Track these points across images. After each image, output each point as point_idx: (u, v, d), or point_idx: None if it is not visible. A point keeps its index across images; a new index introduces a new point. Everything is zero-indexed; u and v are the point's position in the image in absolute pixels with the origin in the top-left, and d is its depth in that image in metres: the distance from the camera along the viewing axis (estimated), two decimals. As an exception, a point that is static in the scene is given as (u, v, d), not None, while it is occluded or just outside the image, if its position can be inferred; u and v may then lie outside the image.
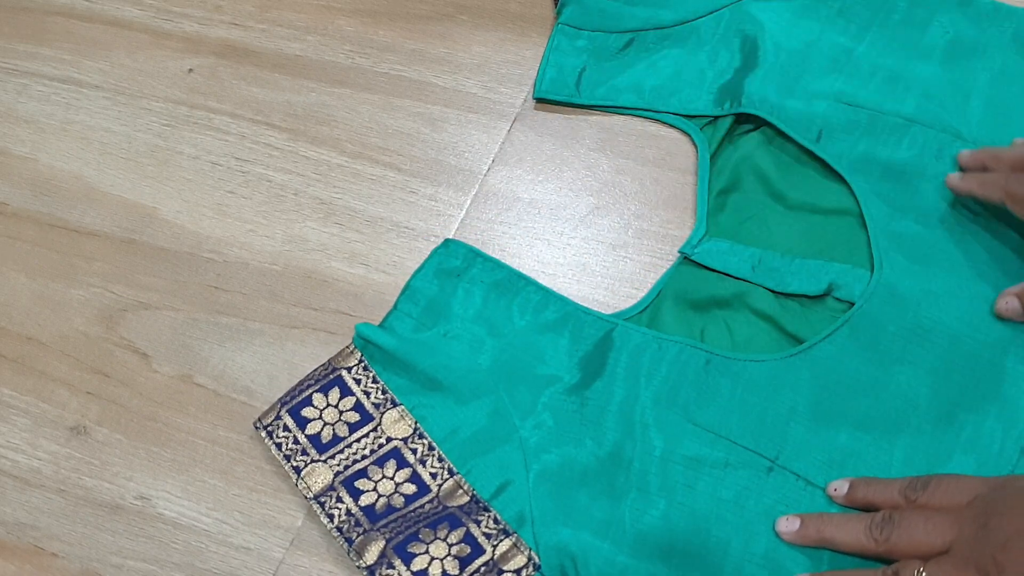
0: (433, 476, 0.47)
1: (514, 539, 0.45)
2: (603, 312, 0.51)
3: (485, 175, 0.57)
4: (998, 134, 0.53)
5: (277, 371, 0.52)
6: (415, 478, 0.47)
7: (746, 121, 0.57)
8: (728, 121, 0.56)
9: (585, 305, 0.52)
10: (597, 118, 0.58)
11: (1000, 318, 0.48)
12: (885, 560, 0.42)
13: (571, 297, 0.53)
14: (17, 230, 0.58)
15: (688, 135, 0.57)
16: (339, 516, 0.46)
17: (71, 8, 0.66)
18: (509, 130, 0.58)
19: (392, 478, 0.47)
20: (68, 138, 0.61)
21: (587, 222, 0.55)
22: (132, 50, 0.64)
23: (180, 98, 0.62)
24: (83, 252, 0.57)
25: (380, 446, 0.48)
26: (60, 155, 0.61)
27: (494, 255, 0.54)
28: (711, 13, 0.59)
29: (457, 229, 0.56)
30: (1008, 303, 0.47)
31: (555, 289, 0.53)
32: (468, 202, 0.57)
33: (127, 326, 0.54)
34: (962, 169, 0.52)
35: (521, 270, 0.54)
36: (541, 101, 0.59)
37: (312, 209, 0.57)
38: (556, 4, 0.61)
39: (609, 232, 0.55)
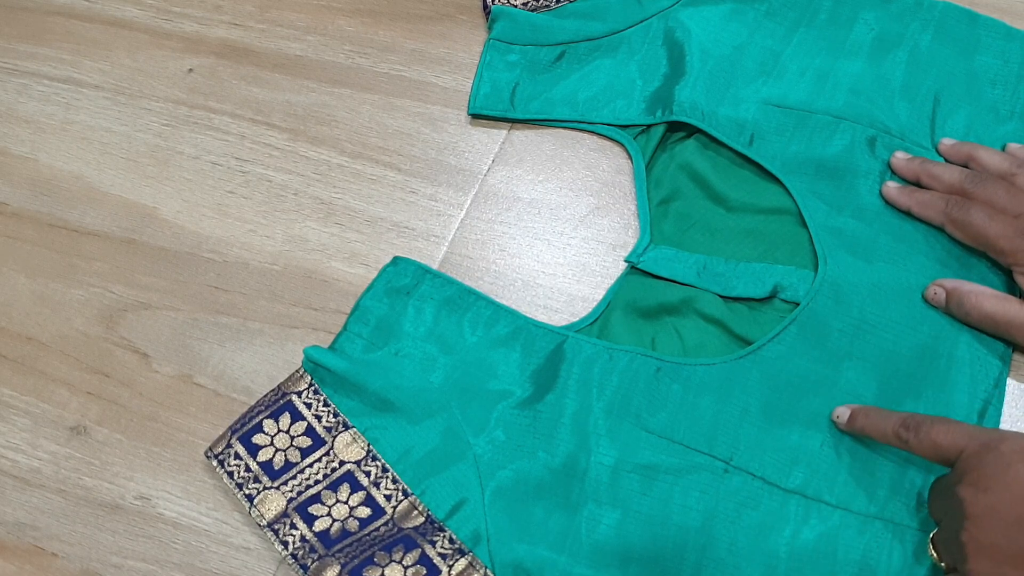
0: (387, 498, 0.47)
1: (470, 558, 0.45)
2: (556, 325, 0.51)
3: (485, 175, 0.57)
4: (921, 125, 0.54)
5: (277, 371, 0.52)
6: (369, 501, 0.47)
7: (679, 128, 0.57)
8: (661, 129, 0.56)
9: (584, 305, 0.52)
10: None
11: (928, 304, 0.49)
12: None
13: (571, 297, 0.53)
14: (17, 230, 0.58)
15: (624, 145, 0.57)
16: (294, 543, 0.46)
17: (71, 8, 0.66)
18: (509, 130, 0.58)
19: (346, 502, 0.47)
20: (68, 138, 0.61)
21: (587, 222, 0.55)
22: (132, 50, 0.64)
23: (180, 98, 0.62)
24: (83, 252, 0.57)
25: (333, 470, 0.48)
26: (60, 155, 0.61)
27: (494, 255, 0.55)
28: (641, 22, 0.59)
29: (457, 229, 0.56)
30: (936, 292, 0.49)
31: (555, 289, 0.53)
32: (468, 202, 0.57)
33: (127, 326, 0.54)
34: (895, 173, 0.53)
35: (521, 270, 0.54)
36: (477, 117, 0.59)
37: (312, 209, 0.57)
38: (487, 20, 0.61)
39: (609, 232, 0.55)
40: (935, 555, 0.42)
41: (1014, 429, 0.47)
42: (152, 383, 0.52)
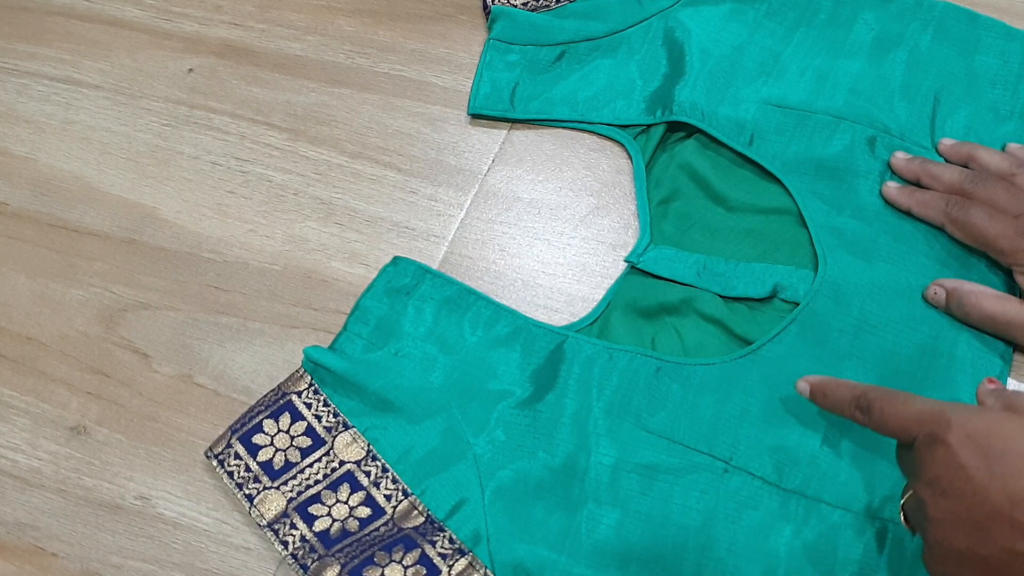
0: (387, 498, 0.47)
1: (470, 558, 0.45)
2: (556, 325, 0.51)
3: (485, 175, 0.57)
4: (921, 125, 0.54)
5: (277, 371, 0.52)
6: (369, 501, 0.47)
7: (679, 128, 0.57)
8: (661, 129, 0.56)
9: (584, 305, 0.52)
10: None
11: (928, 304, 0.49)
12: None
13: (571, 297, 0.53)
14: (17, 230, 0.58)
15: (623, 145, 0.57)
16: (294, 543, 0.46)
17: (71, 8, 0.66)
18: (509, 130, 0.58)
19: (346, 502, 0.47)
20: (68, 138, 0.61)
21: (587, 222, 0.55)
22: (132, 50, 0.64)
23: (180, 98, 0.62)
24: (83, 252, 0.57)
25: (333, 470, 0.48)
26: (60, 155, 0.61)
27: (494, 255, 0.55)
28: (641, 22, 0.59)
29: (457, 229, 0.56)
30: (936, 292, 0.49)
31: (555, 289, 0.53)
32: (468, 202, 0.57)
33: (127, 326, 0.54)
34: (895, 173, 0.53)
35: (521, 270, 0.54)
36: (476, 117, 0.59)
37: (312, 209, 0.57)
38: (487, 20, 0.61)
39: (609, 232, 0.55)
40: (905, 523, 0.41)
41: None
42: (152, 383, 0.52)
